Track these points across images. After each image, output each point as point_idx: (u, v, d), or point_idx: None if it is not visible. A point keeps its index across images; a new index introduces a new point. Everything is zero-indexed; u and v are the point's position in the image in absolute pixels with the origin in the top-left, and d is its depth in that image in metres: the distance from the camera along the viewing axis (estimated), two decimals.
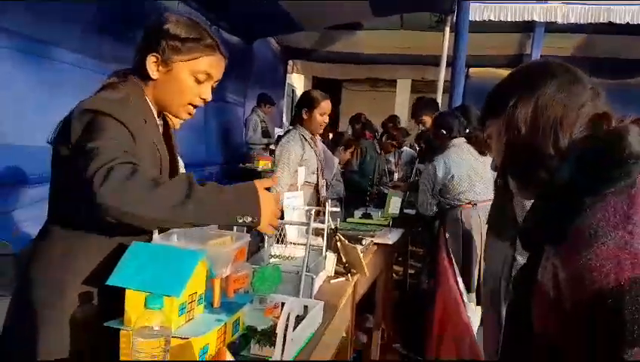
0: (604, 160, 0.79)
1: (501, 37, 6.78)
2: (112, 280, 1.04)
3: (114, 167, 1.03)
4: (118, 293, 1.05)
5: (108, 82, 1.30)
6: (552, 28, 6.29)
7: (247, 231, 1.30)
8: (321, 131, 3.11)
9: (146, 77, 1.30)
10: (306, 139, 2.98)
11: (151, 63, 1.28)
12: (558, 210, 0.79)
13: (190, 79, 1.29)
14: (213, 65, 1.31)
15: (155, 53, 1.27)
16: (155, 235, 1.20)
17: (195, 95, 1.31)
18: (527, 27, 6.49)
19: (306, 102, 2.97)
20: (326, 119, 3.02)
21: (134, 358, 0.91)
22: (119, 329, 1.04)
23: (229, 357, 0.88)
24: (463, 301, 1.53)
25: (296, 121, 3.05)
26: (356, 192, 4.40)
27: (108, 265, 1.10)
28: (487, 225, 2.65)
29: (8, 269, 3.08)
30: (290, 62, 9.16)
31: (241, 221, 1.13)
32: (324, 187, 3.21)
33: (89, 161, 1.04)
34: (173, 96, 1.31)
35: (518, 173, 0.96)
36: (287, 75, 9.22)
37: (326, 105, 2.97)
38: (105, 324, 1.05)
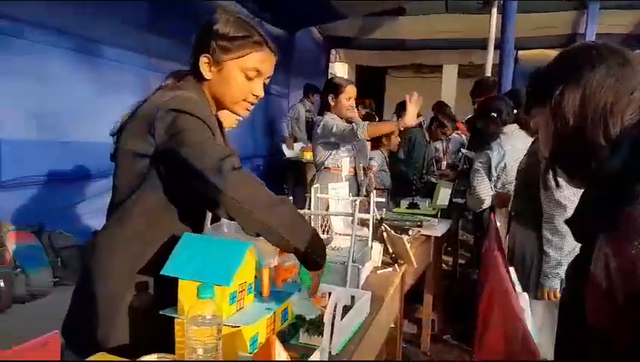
0: None
1: (552, 16, 6.46)
2: (166, 270, 1.08)
3: (233, 162, 1.12)
4: (173, 283, 1.10)
5: (168, 83, 1.35)
6: (607, 4, 5.95)
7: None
8: (349, 115, 3.18)
9: (201, 77, 1.34)
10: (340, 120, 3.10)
11: (203, 64, 1.32)
12: (609, 199, 0.76)
13: (241, 76, 1.32)
14: (262, 61, 1.34)
15: (206, 54, 1.31)
16: (207, 226, 1.24)
17: (247, 92, 1.34)
18: (580, 4, 6.16)
19: (331, 89, 3.10)
20: (352, 103, 3.14)
21: (189, 346, 0.95)
22: (174, 318, 1.08)
23: (278, 345, 0.90)
24: (515, 291, 1.48)
25: (324, 108, 3.14)
26: (403, 182, 4.35)
27: (162, 255, 1.15)
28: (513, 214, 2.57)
29: (73, 260, 3.28)
30: (333, 51, 9.11)
31: (309, 254, 1.21)
32: (362, 173, 3.24)
33: (202, 155, 1.12)
34: (226, 95, 1.35)
35: (567, 163, 0.92)
36: (330, 64, 9.19)
37: (351, 90, 3.11)
38: (160, 313, 1.09)
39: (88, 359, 0.93)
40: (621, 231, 0.72)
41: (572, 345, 0.84)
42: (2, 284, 2.92)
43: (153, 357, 1.01)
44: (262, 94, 1.37)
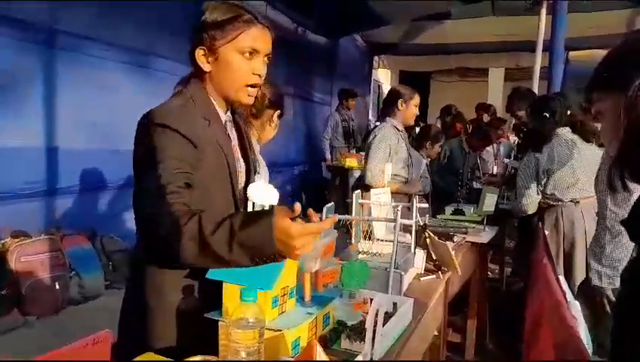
0: None
1: (605, 15, 6.20)
2: (211, 274, 1.11)
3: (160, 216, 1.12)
4: (217, 287, 1.12)
5: (175, 90, 1.38)
6: None
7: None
8: (412, 122, 3.32)
9: (201, 73, 1.34)
10: (399, 130, 3.19)
11: (200, 57, 1.32)
12: None
13: (238, 57, 1.30)
14: (256, 38, 1.31)
15: (201, 47, 1.31)
16: None
17: (247, 73, 1.31)
18: (635, 2, 5.88)
19: (402, 95, 3.18)
20: (417, 111, 3.26)
21: (232, 349, 0.96)
22: (218, 321, 1.11)
23: (319, 349, 0.90)
24: (567, 300, 1.42)
25: (388, 113, 3.21)
26: (444, 190, 4.28)
27: None
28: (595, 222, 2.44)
29: (123, 264, 3.41)
30: (376, 57, 9.10)
31: (262, 262, 1.06)
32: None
33: (146, 195, 1.18)
34: (228, 82, 1.33)
35: (637, 161, 0.85)
36: (373, 70, 9.17)
37: (417, 98, 3.22)
38: (205, 315, 1.12)
39: (136, 359, 0.96)
40: None
41: (630, 347, 0.80)
42: (58, 287, 3.07)
43: (197, 358, 1.04)
44: (263, 73, 1.34)
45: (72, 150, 3.28)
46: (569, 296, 1.55)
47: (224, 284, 1.11)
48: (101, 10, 3.27)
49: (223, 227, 1.06)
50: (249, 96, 1.35)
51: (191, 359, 1.02)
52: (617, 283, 2.03)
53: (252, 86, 1.34)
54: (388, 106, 3.22)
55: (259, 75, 1.32)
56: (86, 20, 3.24)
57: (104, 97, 3.39)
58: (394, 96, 3.20)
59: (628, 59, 0.87)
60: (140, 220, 1.19)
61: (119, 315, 1.40)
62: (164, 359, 0.98)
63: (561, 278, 1.74)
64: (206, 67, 1.32)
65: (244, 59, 1.30)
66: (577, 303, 1.55)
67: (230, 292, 1.10)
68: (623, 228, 1.91)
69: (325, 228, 1.08)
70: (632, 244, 1.91)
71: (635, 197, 1.92)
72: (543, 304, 1.49)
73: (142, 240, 1.32)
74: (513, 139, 5.53)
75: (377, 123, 3.53)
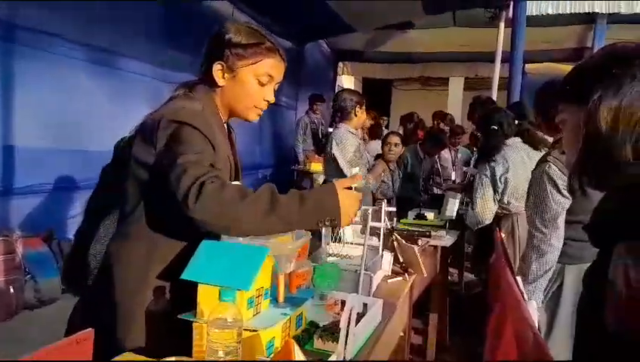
0: None
1: (560, 30, 6.52)
2: (186, 275, 1.11)
3: (205, 183, 1.12)
4: (188, 288, 1.12)
5: (179, 93, 1.39)
6: (615, 19, 6.00)
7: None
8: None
9: (213, 85, 1.38)
10: (354, 134, 3.25)
11: (217, 71, 1.36)
12: (632, 206, 0.77)
13: (254, 82, 1.37)
14: (274, 67, 1.39)
15: (220, 62, 1.35)
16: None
17: (260, 97, 1.39)
18: (588, 19, 6.21)
19: (356, 101, 3.22)
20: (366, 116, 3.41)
21: (209, 349, 0.97)
22: (191, 322, 1.10)
23: (297, 349, 0.92)
24: (524, 299, 1.49)
25: (343, 118, 3.25)
26: (406, 196, 4.37)
27: (179, 261, 1.18)
28: None
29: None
30: (341, 64, 9.20)
31: (321, 225, 1.21)
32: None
33: (180, 176, 1.14)
34: (240, 100, 1.39)
35: (592, 169, 0.91)
36: (338, 76, 9.27)
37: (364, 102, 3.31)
38: (178, 316, 1.12)
39: (116, 358, 0.95)
40: None
41: (591, 351, 0.86)
42: (12, 290, 2.95)
43: (172, 359, 1.03)
44: (273, 99, 1.42)
45: (30, 149, 3.17)
46: (526, 296, 1.63)
47: (199, 285, 1.11)
48: (63, 6, 3.18)
49: (291, 194, 1.19)
50: (258, 115, 1.44)
51: (165, 360, 1.01)
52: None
53: (259, 108, 1.42)
54: (342, 112, 3.25)
55: (268, 101, 1.41)
56: (47, 16, 3.14)
57: (66, 96, 3.29)
58: (348, 102, 3.23)
59: (589, 74, 0.92)
60: (169, 205, 1.16)
61: (80, 318, 1.38)
62: (145, 359, 0.97)
63: (519, 279, 1.82)
64: (221, 82, 1.37)
65: (259, 84, 1.38)
66: (534, 302, 1.63)
67: (205, 293, 1.10)
68: (548, 249, 2.00)
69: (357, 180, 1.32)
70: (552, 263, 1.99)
71: (563, 218, 2.03)
72: (505, 304, 1.56)
73: (126, 230, 1.33)
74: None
75: (330, 129, 3.57)
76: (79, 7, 3.22)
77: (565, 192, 1.93)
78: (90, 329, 0.70)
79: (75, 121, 3.25)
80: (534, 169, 2.14)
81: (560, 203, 1.96)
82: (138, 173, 1.31)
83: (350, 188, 1.27)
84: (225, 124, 1.47)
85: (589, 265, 0.95)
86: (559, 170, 1.96)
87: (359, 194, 1.27)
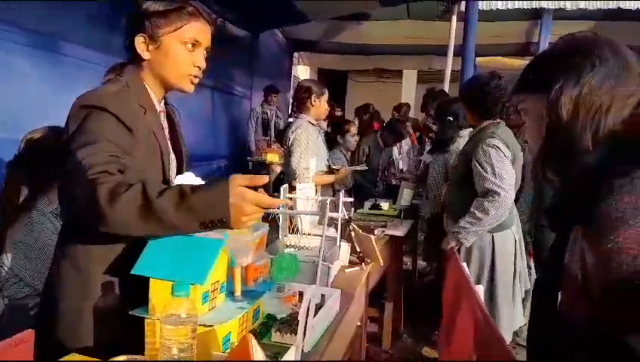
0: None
1: (508, 25, 6.72)
2: (137, 270, 1.06)
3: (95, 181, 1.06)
4: (139, 283, 1.07)
5: (107, 78, 1.33)
6: (560, 15, 6.24)
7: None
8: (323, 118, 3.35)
9: (139, 61, 1.32)
10: (314, 125, 3.18)
11: (140, 44, 1.30)
12: (587, 194, 0.79)
13: (180, 48, 1.30)
14: (199, 31, 1.32)
15: (141, 34, 1.29)
16: None
17: (189, 64, 1.32)
18: (535, 14, 6.43)
19: (314, 91, 3.15)
20: (327, 107, 3.28)
21: (163, 346, 0.93)
22: (143, 318, 1.06)
23: (254, 343, 0.89)
24: (469, 283, 1.55)
25: (301, 109, 3.18)
26: (363, 186, 4.41)
27: (129, 255, 1.13)
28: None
29: None
30: (296, 54, 9.13)
31: (207, 227, 1.06)
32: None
33: (76, 176, 1.09)
34: (169, 70, 1.32)
35: (554, 156, 0.92)
36: (293, 66, 9.21)
37: (327, 93, 3.23)
38: (130, 313, 1.07)
39: (61, 359, 0.90)
40: (597, 226, 0.74)
41: (545, 333, 0.88)
42: None
43: (122, 358, 0.99)
44: (204, 65, 1.35)
45: None
46: (472, 280, 1.68)
47: (151, 280, 1.06)
48: None
49: (171, 190, 1.05)
50: (191, 84, 1.35)
51: (116, 359, 0.97)
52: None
53: (193, 76, 1.34)
54: (300, 102, 3.19)
55: (199, 68, 1.33)
56: None
57: (5, 81, 3.08)
58: (305, 91, 3.18)
59: (551, 64, 0.93)
60: (70, 202, 1.14)
61: (35, 316, 1.31)
62: (91, 359, 0.92)
63: (464, 265, 1.89)
64: (145, 55, 1.30)
65: (186, 50, 1.31)
66: (481, 286, 1.69)
67: (157, 288, 1.06)
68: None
69: (277, 204, 1.13)
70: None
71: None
72: (457, 286, 1.60)
73: (68, 226, 1.29)
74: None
75: (290, 119, 3.51)
76: None
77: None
78: (30, 329, 0.65)
79: (15, 108, 3.05)
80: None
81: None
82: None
83: (255, 188, 1.07)
84: (162, 103, 1.41)
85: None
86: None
87: (259, 194, 1.06)
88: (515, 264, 2.51)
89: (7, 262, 1.88)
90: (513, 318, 2.49)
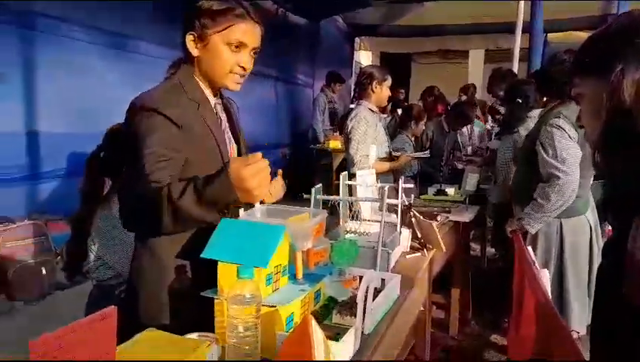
0: None
1: None
2: (206, 254, 1.13)
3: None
4: (208, 267, 1.15)
5: (167, 73, 1.42)
6: None
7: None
8: (384, 104, 3.35)
9: (192, 58, 1.39)
10: (374, 112, 3.18)
11: (189, 42, 1.37)
12: None
13: (225, 49, 1.36)
14: (245, 32, 1.36)
15: (191, 32, 1.36)
16: (241, 212, 1.29)
17: (233, 64, 1.37)
18: None
19: (376, 77, 3.13)
20: (389, 93, 3.24)
21: (229, 324, 1.00)
22: (212, 299, 1.14)
23: (314, 323, 0.94)
24: (536, 268, 1.50)
25: (362, 95, 3.17)
26: (427, 172, 4.35)
27: (198, 241, 1.21)
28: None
29: None
30: (357, 39, 9.07)
31: (227, 210, 1.21)
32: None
33: (128, 180, 1.28)
34: (214, 68, 1.38)
35: (614, 142, 0.88)
36: (355, 52, 9.16)
37: (390, 79, 3.18)
38: (201, 294, 1.15)
39: (140, 334, 0.99)
40: None
41: (608, 320, 0.86)
42: (44, 272, 3.06)
43: (194, 335, 1.07)
44: (248, 66, 1.39)
45: (53, 134, 3.24)
46: (537, 265, 1.64)
47: (219, 263, 1.13)
48: None
49: (188, 189, 1.15)
50: (236, 83, 1.41)
51: (189, 335, 1.05)
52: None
53: (238, 75, 1.39)
54: (361, 88, 3.18)
55: (243, 68, 1.38)
56: (62, 3, 3.18)
57: (84, 80, 3.34)
58: (367, 77, 3.15)
59: (607, 45, 0.88)
60: (124, 202, 1.29)
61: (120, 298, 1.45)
62: (167, 334, 1.01)
63: (529, 250, 1.84)
64: (194, 52, 1.37)
65: (230, 50, 1.36)
66: (546, 270, 1.64)
67: (225, 271, 1.13)
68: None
69: (259, 156, 1.16)
70: None
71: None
72: (524, 271, 1.57)
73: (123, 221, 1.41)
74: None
75: (352, 105, 3.50)
76: None
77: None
78: (113, 306, 0.73)
79: (94, 105, 3.30)
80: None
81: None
82: None
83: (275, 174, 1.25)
84: (219, 97, 1.47)
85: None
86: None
87: (252, 166, 1.12)
88: (591, 251, 2.40)
89: (94, 248, 2.05)
90: (586, 308, 2.38)
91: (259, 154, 1.15)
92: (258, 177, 1.12)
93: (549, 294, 1.14)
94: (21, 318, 2.68)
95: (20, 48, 3.09)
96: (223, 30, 1.34)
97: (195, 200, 1.14)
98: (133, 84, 3.57)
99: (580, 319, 2.36)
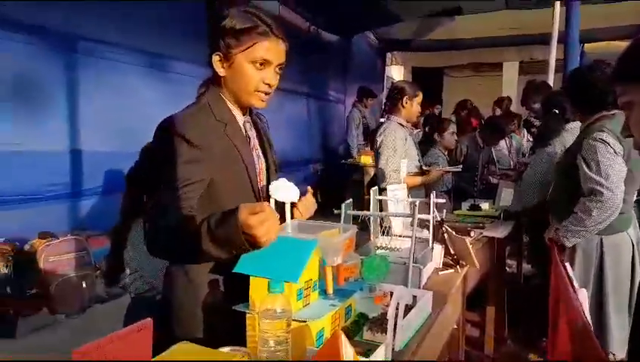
0: None
1: (619, 6, 6.12)
2: (238, 268, 1.16)
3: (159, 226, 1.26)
4: (240, 282, 1.17)
5: (198, 93, 1.45)
6: None
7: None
8: (416, 120, 3.41)
9: (219, 78, 1.41)
10: (404, 127, 3.19)
11: (216, 62, 1.39)
12: None
13: (249, 67, 1.36)
14: (269, 49, 1.36)
15: (217, 52, 1.37)
16: None
17: (258, 81, 1.37)
18: None
19: (407, 92, 3.16)
20: (420, 109, 3.29)
21: (261, 339, 1.01)
22: (244, 313, 1.16)
23: (344, 339, 0.94)
24: (573, 286, 1.45)
25: (392, 110, 3.20)
26: (461, 186, 4.30)
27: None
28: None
29: None
30: (389, 54, 9.09)
31: (236, 253, 1.17)
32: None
33: (151, 206, 1.32)
34: (240, 87, 1.39)
35: None
36: (386, 67, 9.18)
37: (421, 95, 3.22)
38: (233, 308, 1.17)
39: (174, 346, 1.02)
40: None
41: None
42: (85, 285, 3.15)
43: (227, 348, 1.09)
44: (274, 82, 1.40)
45: (94, 153, 3.37)
46: (575, 283, 1.58)
47: (251, 278, 1.16)
48: (114, 13, 3.37)
49: (203, 226, 1.16)
50: (261, 101, 1.41)
51: (222, 349, 1.07)
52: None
53: (263, 92, 1.40)
54: (392, 103, 3.20)
55: (269, 85, 1.39)
56: (102, 25, 3.34)
57: (123, 100, 3.48)
58: (398, 92, 3.17)
59: None
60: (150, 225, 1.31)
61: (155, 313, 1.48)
62: (200, 347, 1.03)
63: (567, 265, 1.78)
64: (221, 72, 1.40)
65: (255, 68, 1.36)
66: (584, 290, 1.58)
67: (257, 285, 1.15)
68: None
69: (265, 205, 1.13)
70: None
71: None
72: (558, 287, 1.52)
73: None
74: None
75: (382, 120, 3.52)
76: (129, 12, 3.40)
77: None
78: (149, 318, 0.75)
79: (133, 125, 3.41)
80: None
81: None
82: None
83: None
84: (247, 114, 1.49)
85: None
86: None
87: (260, 215, 1.10)
88: (633, 270, 2.30)
89: (130, 262, 2.12)
90: (627, 330, 2.28)
91: (265, 204, 1.14)
92: (265, 226, 1.10)
93: (587, 314, 1.10)
94: (63, 331, 2.76)
95: (63, 70, 3.24)
96: (247, 49, 1.34)
97: (210, 239, 1.15)
98: (170, 102, 3.69)
99: (619, 342, 2.25)
